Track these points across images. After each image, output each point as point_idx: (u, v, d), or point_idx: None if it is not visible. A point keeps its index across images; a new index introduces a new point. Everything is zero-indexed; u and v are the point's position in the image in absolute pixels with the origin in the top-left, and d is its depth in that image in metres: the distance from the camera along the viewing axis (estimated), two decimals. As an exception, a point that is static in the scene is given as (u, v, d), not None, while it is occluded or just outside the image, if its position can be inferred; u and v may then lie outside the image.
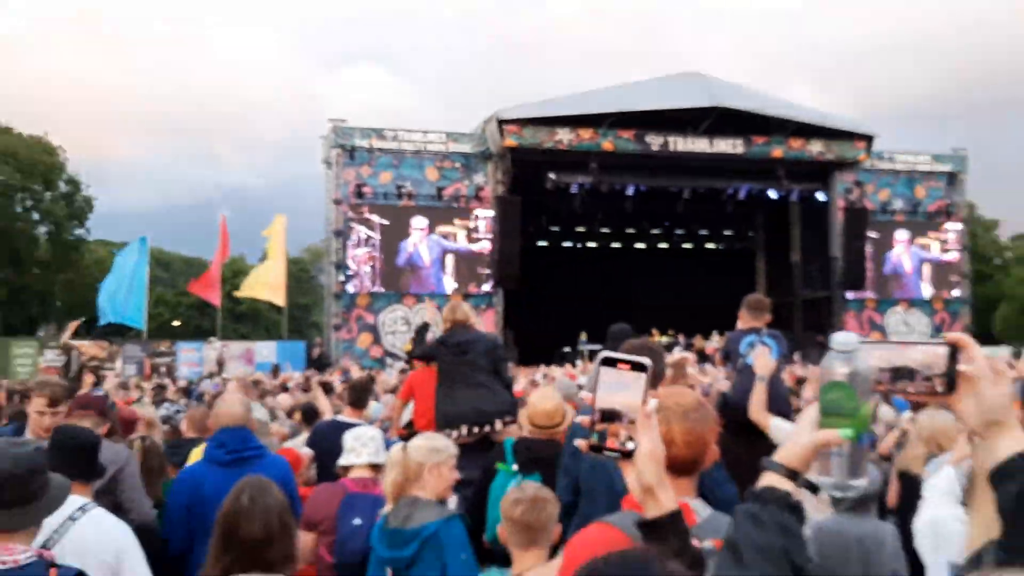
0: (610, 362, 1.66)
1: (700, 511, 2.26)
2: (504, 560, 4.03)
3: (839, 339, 1.45)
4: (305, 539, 4.42)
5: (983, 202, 52.89)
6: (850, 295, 29.64)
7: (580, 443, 1.66)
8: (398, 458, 3.72)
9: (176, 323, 47.18)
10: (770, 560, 1.43)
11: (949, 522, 3.14)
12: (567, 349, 25.77)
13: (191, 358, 26.88)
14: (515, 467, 4.35)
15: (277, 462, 4.74)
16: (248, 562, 2.72)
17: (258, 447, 4.62)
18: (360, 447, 4.59)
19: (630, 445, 1.62)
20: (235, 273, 50.92)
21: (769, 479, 1.52)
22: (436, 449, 3.76)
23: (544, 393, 4.73)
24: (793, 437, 1.55)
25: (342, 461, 4.62)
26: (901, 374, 1.44)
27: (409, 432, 7.02)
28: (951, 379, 1.42)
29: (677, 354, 9.78)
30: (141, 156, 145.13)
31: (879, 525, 3.54)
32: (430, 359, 6.83)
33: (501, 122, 25.77)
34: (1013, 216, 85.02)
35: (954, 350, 1.42)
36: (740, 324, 6.33)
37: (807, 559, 1.49)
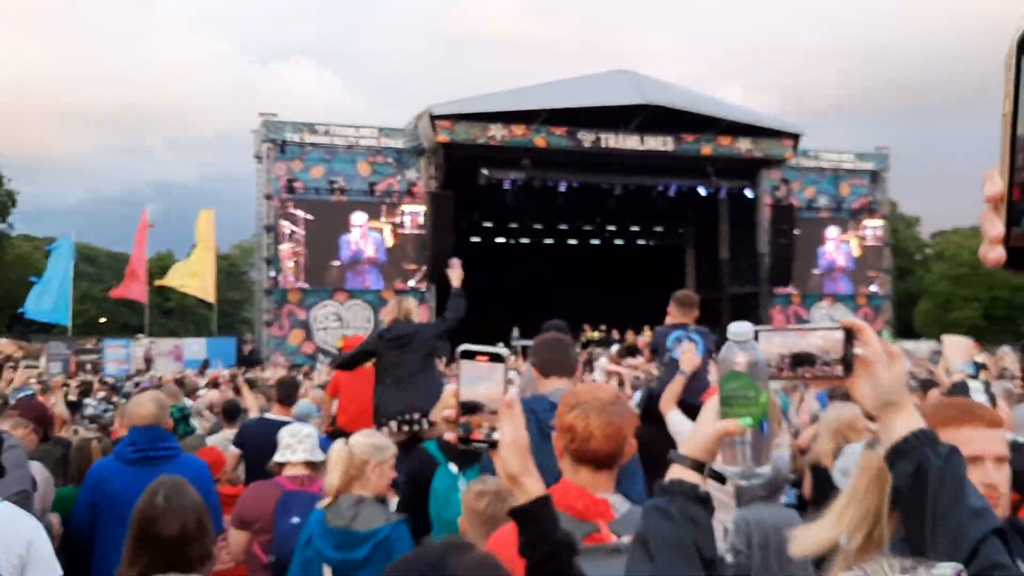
0: (469, 355, 1.66)
1: (618, 506, 2.25)
2: None
3: (735, 329, 1.45)
4: (238, 537, 4.38)
5: (904, 200, 54.33)
6: (777, 291, 30.14)
7: (449, 436, 1.66)
8: (342, 455, 3.65)
9: (103, 320, 46.09)
10: (680, 554, 1.43)
11: None
12: (500, 344, 25.75)
13: (118, 355, 26.26)
14: (454, 466, 4.31)
15: (192, 462, 4.64)
16: (165, 562, 2.66)
17: (170, 447, 4.51)
18: (296, 444, 4.51)
19: (495, 436, 1.62)
20: (163, 269, 49.96)
21: (676, 471, 1.52)
22: (379, 447, 3.71)
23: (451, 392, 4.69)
24: (696, 428, 1.54)
25: (277, 458, 4.53)
26: (801, 360, 1.45)
27: (334, 429, 6.95)
28: (848, 363, 1.43)
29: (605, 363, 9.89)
30: (70, 151, 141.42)
31: (795, 515, 3.60)
32: (347, 367, 6.77)
33: (434, 118, 25.63)
34: (933, 213, 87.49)
35: (850, 334, 1.43)
36: (668, 320, 6.38)
37: (716, 551, 1.49)
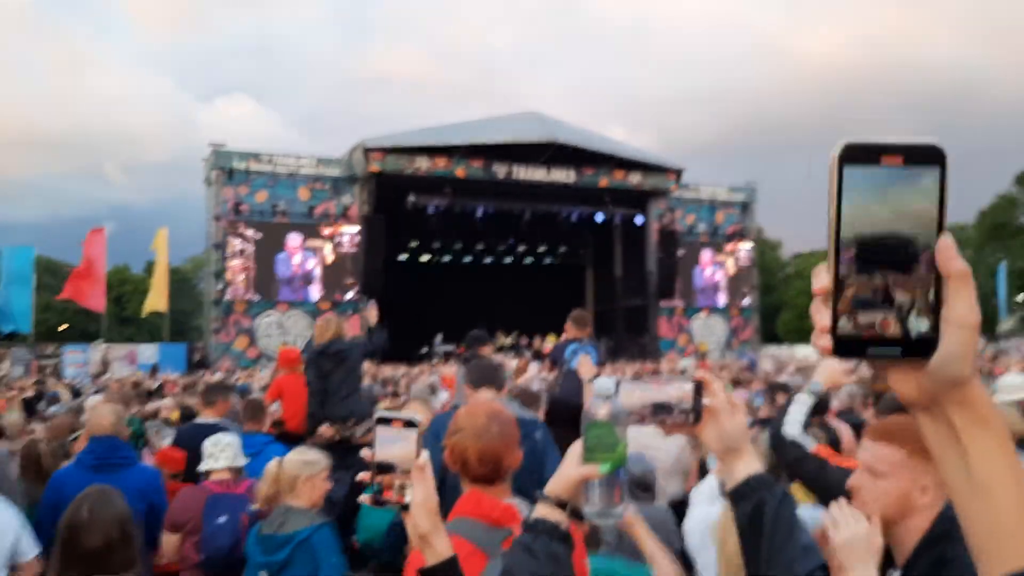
0: (385, 421, 1.61)
1: (522, 509, 2.20)
2: (375, 563, 3.91)
3: (600, 384, 1.44)
4: (170, 539, 4.22)
5: (769, 226, 55.89)
6: (663, 304, 30.63)
7: (364, 498, 1.58)
8: (273, 473, 3.56)
9: (64, 327, 44.36)
10: None
11: (712, 516, 3.18)
12: (425, 349, 25.66)
13: (77, 359, 25.32)
14: None
15: (145, 470, 4.52)
16: (89, 571, 2.57)
17: (126, 456, 4.37)
18: (219, 452, 4.37)
19: (407, 497, 1.56)
20: (121, 282, 48.35)
21: (541, 510, 1.51)
22: (309, 462, 3.59)
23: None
24: (560, 471, 1.53)
25: (202, 467, 4.39)
26: (660, 408, 1.43)
27: (278, 431, 6.78)
28: (697, 412, 1.42)
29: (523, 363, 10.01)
30: (29, 175, 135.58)
31: (657, 508, 3.62)
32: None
33: (367, 150, 25.49)
34: (792, 238, 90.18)
35: (699, 387, 1.42)
36: (566, 335, 6.42)
37: None
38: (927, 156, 0.70)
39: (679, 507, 3.86)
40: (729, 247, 32.32)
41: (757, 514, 1.38)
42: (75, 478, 4.10)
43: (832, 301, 0.73)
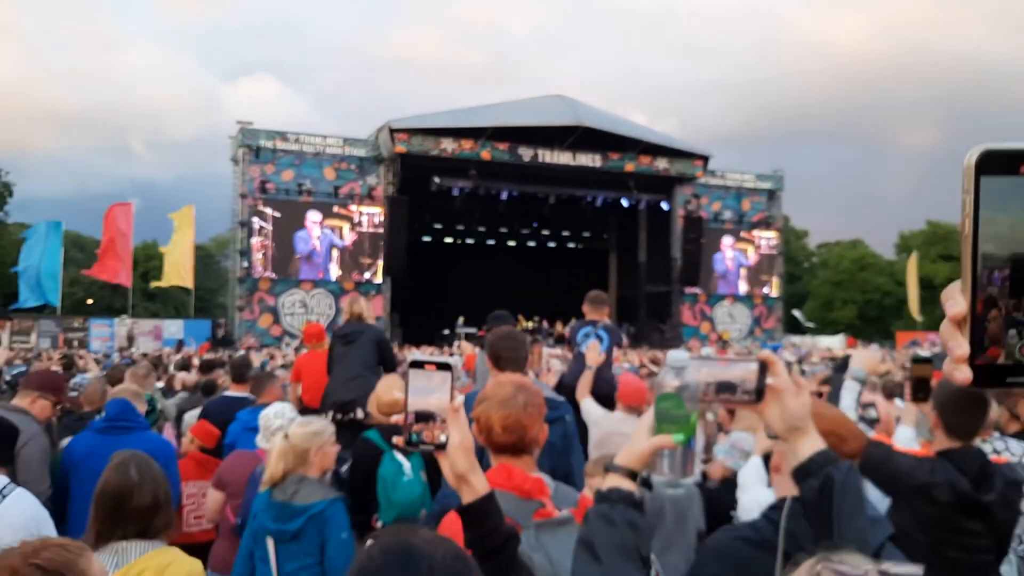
0: (418, 365, 1.60)
1: (549, 483, 2.24)
2: None
3: (673, 356, 1.46)
4: (215, 496, 4.30)
5: (796, 215, 55.34)
6: (686, 290, 30.42)
7: (397, 439, 1.60)
8: (284, 448, 3.49)
9: (90, 301, 44.80)
10: (625, 556, 1.42)
11: (766, 498, 3.22)
12: (446, 331, 25.63)
13: (103, 333, 25.57)
14: (399, 454, 4.14)
15: (155, 438, 4.53)
16: (135, 530, 2.56)
17: (135, 419, 4.32)
18: (271, 436, 4.28)
19: (442, 438, 1.58)
20: (148, 257, 48.74)
21: (613, 480, 1.52)
22: (316, 432, 3.54)
23: (389, 384, 4.52)
24: (632, 442, 1.53)
25: (259, 443, 4.35)
26: (723, 387, 1.44)
27: (300, 407, 6.75)
28: (760, 391, 1.43)
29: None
30: (58, 150, 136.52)
31: (689, 487, 3.62)
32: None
33: (393, 131, 25.42)
34: (819, 227, 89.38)
35: (764, 366, 1.43)
36: (586, 315, 6.30)
37: (651, 549, 1.50)
38: None
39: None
40: (755, 235, 31.99)
41: (826, 489, 1.40)
42: (85, 440, 4.15)
43: (971, 327, 0.66)
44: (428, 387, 1.58)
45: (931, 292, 47.01)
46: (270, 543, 3.32)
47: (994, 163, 0.64)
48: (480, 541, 1.57)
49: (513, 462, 2.18)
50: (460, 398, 1.59)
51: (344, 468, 4.11)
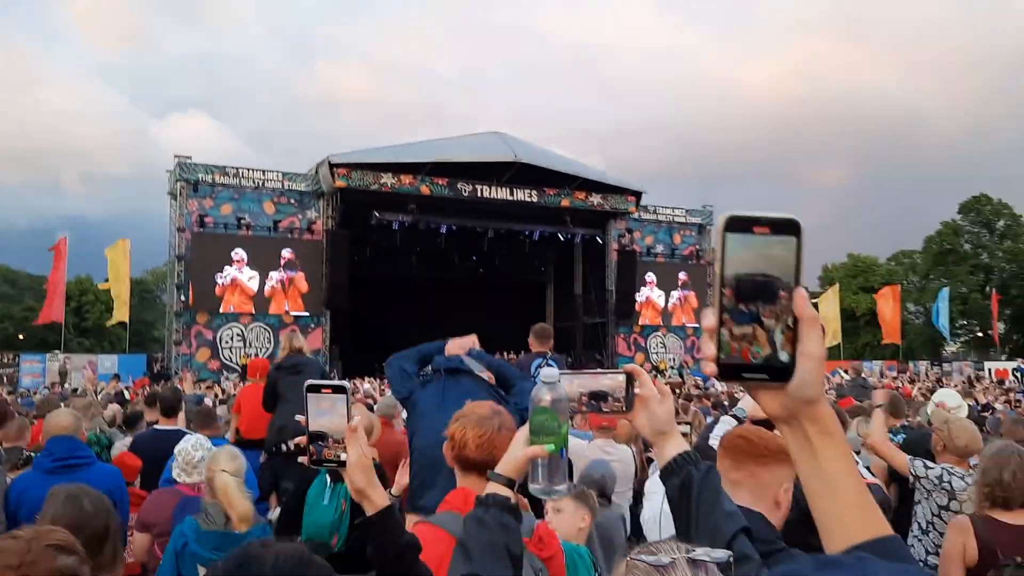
0: (315, 388, 1.68)
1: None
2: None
3: (544, 373, 1.52)
4: (141, 540, 4.17)
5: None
6: (621, 322, 30.81)
7: (303, 459, 1.71)
8: (234, 483, 3.50)
9: (21, 336, 43.33)
10: (493, 554, 1.51)
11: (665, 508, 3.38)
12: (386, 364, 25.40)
13: (34, 369, 24.77)
14: (328, 479, 4.19)
15: (107, 470, 4.41)
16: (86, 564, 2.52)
17: (85, 455, 4.26)
18: (191, 469, 4.27)
19: (342, 456, 1.68)
20: (82, 291, 47.37)
21: (492, 487, 1.63)
22: (238, 470, 3.56)
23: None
24: (509, 452, 1.64)
25: (178, 477, 4.31)
26: (595, 396, 1.54)
27: (238, 440, 6.71)
28: (630, 400, 1.54)
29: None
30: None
31: (612, 514, 3.73)
32: (266, 404, 6.59)
33: (332, 166, 25.35)
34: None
35: (630, 378, 1.54)
36: (532, 348, 6.39)
37: (522, 548, 1.61)
38: (788, 228, 0.85)
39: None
40: (685, 268, 32.63)
41: (685, 486, 1.52)
42: (35, 481, 3.99)
43: (717, 336, 0.87)
44: (327, 409, 1.67)
45: (853, 322, 48.38)
46: (201, 571, 3.33)
47: (734, 225, 0.86)
48: (382, 551, 1.68)
49: (478, 483, 2.22)
50: (356, 418, 1.69)
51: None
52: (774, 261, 0.85)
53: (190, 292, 24.75)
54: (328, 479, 4.06)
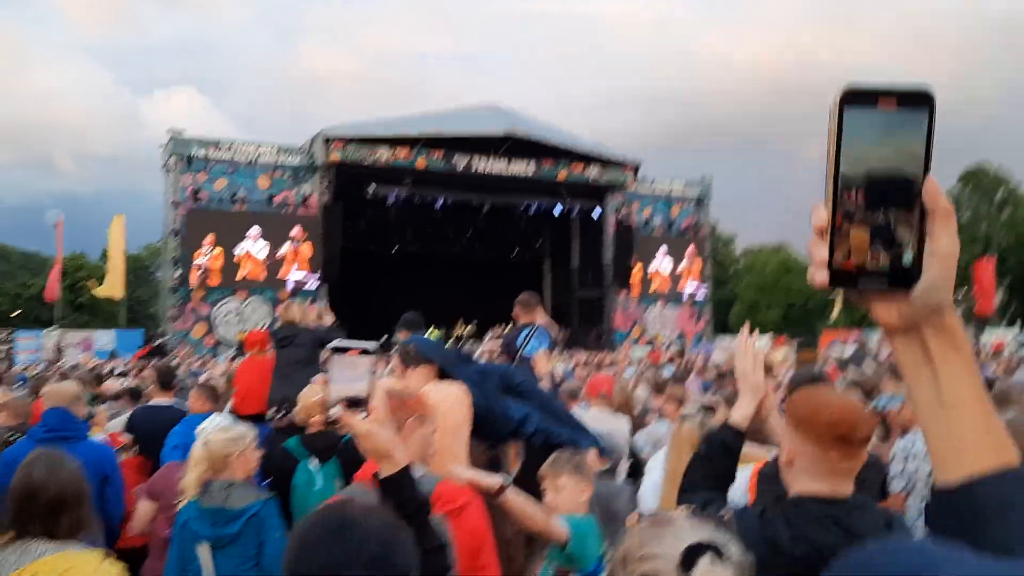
0: (341, 350, 1.65)
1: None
2: None
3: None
4: (145, 507, 4.20)
5: (723, 221, 56.50)
6: (618, 295, 30.76)
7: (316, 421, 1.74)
8: (202, 455, 3.41)
9: (15, 313, 43.21)
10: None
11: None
12: (384, 339, 25.41)
13: (29, 346, 24.67)
14: (313, 462, 4.10)
15: (98, 445, 4.41)
16: (41, 531, 2.49)
17: (77, 428, 4.22)
18: None
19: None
20: (77, 268, 47.24)
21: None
22: (235, 439, 3.48)
23: (315, 387, 4.43)
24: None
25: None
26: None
27: (235, 416, 6.68)
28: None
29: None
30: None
31: (616, 486, 3.75)
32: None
33: (327, 139, 25.16)
34: (744, 233, 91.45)
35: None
36: (518, 320, 6.13)
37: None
38: (918, 99, 0.73)
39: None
40: (684, 241, 32.52)
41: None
42: (28, 449, 3.97)
43: (830, 235, 0.76)
44: (352, 377, 1.62)
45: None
46: (204, 550, 3.28)
47: (855, 98, 0.74)
48: (396, 508, 1.72)
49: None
50: (380, 383, 1.70)
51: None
52: (900, 142, 0.74)
53: (191, 269, 24.65)
54: (314, 463, 3.98)
